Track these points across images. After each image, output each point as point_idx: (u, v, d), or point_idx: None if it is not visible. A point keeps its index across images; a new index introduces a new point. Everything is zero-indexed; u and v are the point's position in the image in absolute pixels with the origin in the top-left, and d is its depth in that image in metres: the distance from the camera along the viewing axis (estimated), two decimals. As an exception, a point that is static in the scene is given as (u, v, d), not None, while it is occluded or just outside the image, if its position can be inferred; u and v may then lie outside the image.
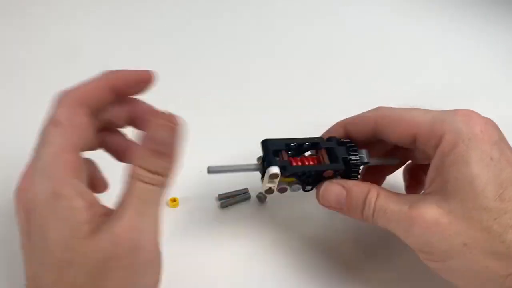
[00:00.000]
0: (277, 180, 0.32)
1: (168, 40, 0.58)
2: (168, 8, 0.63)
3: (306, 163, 0.33)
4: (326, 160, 0.33)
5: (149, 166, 0.27)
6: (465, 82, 0.53)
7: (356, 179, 0.34)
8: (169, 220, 0.36)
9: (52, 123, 0.27)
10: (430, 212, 0.28)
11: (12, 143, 0.45)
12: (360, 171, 0.34)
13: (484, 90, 0.52)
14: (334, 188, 0.32)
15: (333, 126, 0.36)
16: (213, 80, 0.52)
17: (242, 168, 0.33)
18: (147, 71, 0.31)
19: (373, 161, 0.35)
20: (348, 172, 0.33)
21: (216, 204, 0.40)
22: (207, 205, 0.40)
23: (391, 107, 0.34)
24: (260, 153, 0.33)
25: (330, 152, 0.33)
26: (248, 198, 0.40)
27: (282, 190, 0.33)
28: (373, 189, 0.31)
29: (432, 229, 0.28)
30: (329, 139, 0.34)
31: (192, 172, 0.37)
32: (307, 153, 0.34)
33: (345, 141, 0.34)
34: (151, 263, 0.27)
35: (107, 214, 0.27)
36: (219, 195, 0.40)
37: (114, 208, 0.27)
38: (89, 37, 0.58)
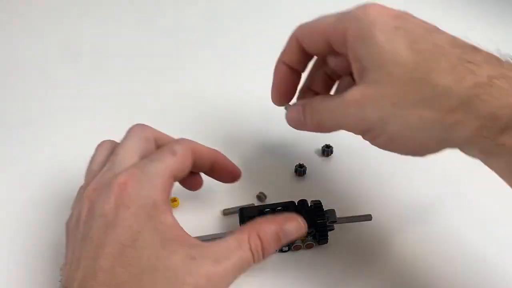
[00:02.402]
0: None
1: (169, 40, 0.58)
2: (168, 8, 0.63)
3: None
4: None
5: (265, 243, 0.30)
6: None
7: (325, 242, 0.37)
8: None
9: (171, 153, 0.32)
10: (356, 90, 0.29)
11: (10, 143, 0.46)
12: (327, 230, 0.36)
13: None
14: (293, 108, 0.35)
15: (288, 45, 0.36)
16: (218, 78, 0.52)
17: (222, 236, 0.36)
18: (238, 172, 0.37)
19: (341, 221, 0.37)
20: (316, 232, 0.36)
21: (218, 211, 0.40)
22: (208, 210, 0.40)
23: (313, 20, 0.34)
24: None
25: (301, 214, 0.34)
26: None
27: None
28: (318, 97, 0.34)
29: (362, 103, 0.29)
30: (300, 202, 0.37)
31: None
32: None
33: (313, 204, 0.36)
34: None
35: (186, 240, 0.29)
36: (224, 210, 0.40)
37: (196, 239, 0.30)
38: (89, 37, 0.58)
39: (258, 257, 0.30)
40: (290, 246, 0.37)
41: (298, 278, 0.36)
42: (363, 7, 0.30)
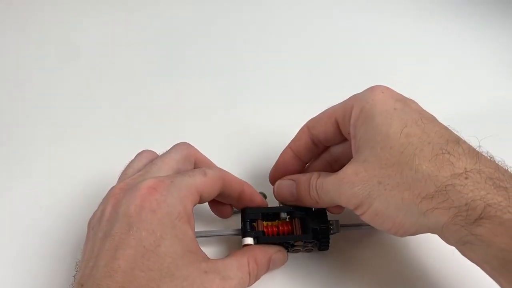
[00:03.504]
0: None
1: (168, 40, 0.58)
2: (168, 8, 0.62)
3: (281, 228, 0.35)
4: (298, 228, 0.36)
5: (259, 268, 0.33)
6: (466, 82, 0.53)
7: (326, 249, 0.36)
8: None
9: (202, 173, 0.33)
10: (350, 168, 0.31)
11: (9, 145, 0.46)
12: (329, 240, 0.36)
13: (483, 91, 0.52)
14: (285, 183, 0.37)
15: (298, 133, 0.38)
16: (218, 81, 0.52)
17: (225, 233, 0.37)
18: (265, 205, 0.37)
19: (344, 230, 0.36)
20: (318, 241, 0.35)
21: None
22: (209, 209, 0.39)
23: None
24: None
25: (303, 221, 0.36)
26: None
27: None
28: (315, 173, 0.35)
29: (353, 180, 0.31)
30: (303, 209, 0.36)
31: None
32: (284, 215, 0.36)
33: (317, 211, 0.36)
34: None
35: (200, 254, 0.31)
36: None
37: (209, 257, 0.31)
38: (89, 37, 0.58)
39: (253, 279, 0.33)
40: (290, 250, 0.36)
41: (298, 281, 0.36)
42: (371, 88, 0.33)
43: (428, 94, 0.50)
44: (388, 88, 0.33)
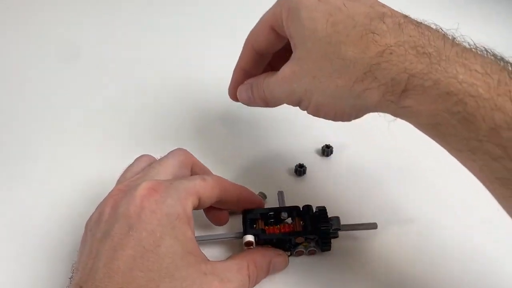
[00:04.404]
0: (253, 247, 0.35)
1: (168, 40, 0.58)
2: (168, 8, 0.63)
3: (283, 230, 0.35)
4: (299, 228, 0.35)
5: (259, 271, 0.33)
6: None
7: (328, 250, 0.36)
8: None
9: (201, 178, 0.33)
10: (287, 67, 0.32)
11: (9, 145, 0.46)
12: (330, 237, 0.36)
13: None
14: (243, 87, 0.38)
15: (242, 51, 0.38)
16: (218, 78, 0.52)
17: (226, 236, 0.37)
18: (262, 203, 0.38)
19: (345, 228, 0.36)
20: (319, 238, 0.35)
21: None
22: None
23: None
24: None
25: (304, 220, 0.36)
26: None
27: None
28: (263, 74, 0.36)
29: (290, 79, 0.32)
30: (305, 207, 0.36)
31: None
32: (289, 220, 0.36)
33: (318, 211, 0.36)
34: None
35: (199, 255, 0.31)
36: None
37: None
38: (89, 37, 0.58)
39: (252, 283, 0.32)
40: (292, 252, 0.36)
41: (298, 284, 0.35)
42: None
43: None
44: None
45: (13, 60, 0.55)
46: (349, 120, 0.32)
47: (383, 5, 0.30)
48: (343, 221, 0.36)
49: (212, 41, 0.57)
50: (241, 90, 0.38)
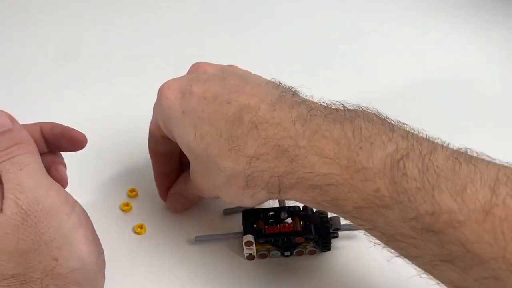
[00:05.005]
0: (253, 247, 0.36)
1: (168, 40, 0.58)
2: (168, 8, 0.63)
3: (283, 230, 0.36)
4: (299, 228, 0.36)
5: None
6: (464, 81, 0.53)
7: (328, 250, 0.36)
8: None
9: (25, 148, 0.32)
10: (192, 175, 0.35)
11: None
12: (330, 237, 0.36)
13: (481, 88, 0.52)
14: (172, 199, 0.39)
15: (152, 159, 0.39)
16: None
17: (226, 236, 0.38)
18: (81, 134, 0.35)
19: (345, 228, 0.36)
20: (319, 238, 0.36)
21: (219, 211, 0.40)
22: (209, 210, 0.40)
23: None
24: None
25: (304, 220, 0.36)
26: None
27: (262, 256, 0.37)
28: (182, 179, 0.38)
29: (198, 185, 0.35)
30: (305, 207, 0.37)
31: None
32: (289, 220, 0.37)
33: (318, 210, 0.36)
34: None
35: None
36: (225, 209, 0.40)
37: None
38: (89, 37, 0.58)
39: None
40: (292, 251, 0.36)
41: (298, 284, 0.36)
42: (159, 93, 0.34)
43: (428, 94, 0.50)
44: (172, 82, 0.34)
45: (13, 59, 0.55)
46: (259, 205, 0.34)
47: (237, 93, 0.31)
48: (343, 221, 0.36)
49: (212, 40, 0.57)
50: (172, 201, 0.39)
